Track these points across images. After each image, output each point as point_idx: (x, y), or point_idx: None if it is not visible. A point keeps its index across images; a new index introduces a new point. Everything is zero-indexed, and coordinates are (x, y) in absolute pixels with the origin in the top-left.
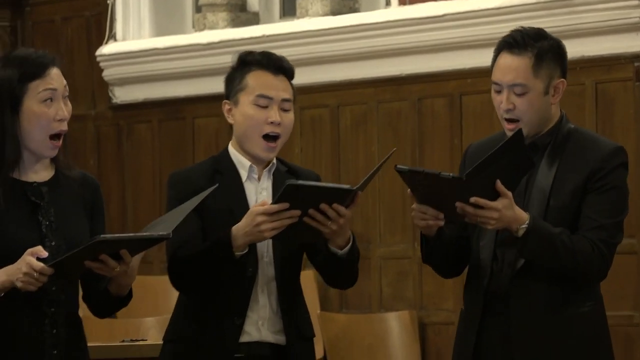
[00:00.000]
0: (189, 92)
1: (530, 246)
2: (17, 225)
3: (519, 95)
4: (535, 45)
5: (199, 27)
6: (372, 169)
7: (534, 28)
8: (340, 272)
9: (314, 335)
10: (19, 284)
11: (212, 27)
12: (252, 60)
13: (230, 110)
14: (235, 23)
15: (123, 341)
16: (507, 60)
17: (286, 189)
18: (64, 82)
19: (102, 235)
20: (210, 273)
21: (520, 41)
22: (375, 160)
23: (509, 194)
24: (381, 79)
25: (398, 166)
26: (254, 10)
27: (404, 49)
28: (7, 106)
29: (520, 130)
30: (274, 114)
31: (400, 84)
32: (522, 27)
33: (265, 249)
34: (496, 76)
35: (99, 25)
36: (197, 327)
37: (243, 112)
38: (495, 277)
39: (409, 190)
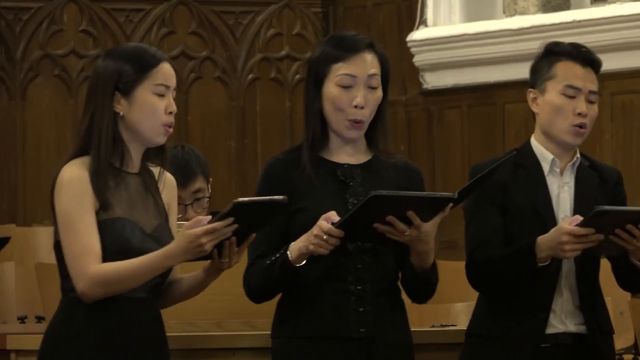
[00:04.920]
0: (499, 77)
1: None
2: (324, 200)
3: None
4: None
5: (509, 12)
6: None
7: None
8: (636, 283)
9: (612, 332)
10: (310, 247)
11: (522, 13)
12: (560, 51)
13: (535, 99)
14: (546, 8)
15: (433, 326)
16: None
17: (595, 214)
18: (371, 70)
19: (376, 191)
20: (510, 278)
21: None
22: None
23: None
24: None
25: None
26: None
27: None
28: (312, 85)
29: None
30: (581, 105)
31: None
32: None
33: None
34: None
35: (410, 10)
36: (499, 323)
37: (550, 101)
38: None
39: None
